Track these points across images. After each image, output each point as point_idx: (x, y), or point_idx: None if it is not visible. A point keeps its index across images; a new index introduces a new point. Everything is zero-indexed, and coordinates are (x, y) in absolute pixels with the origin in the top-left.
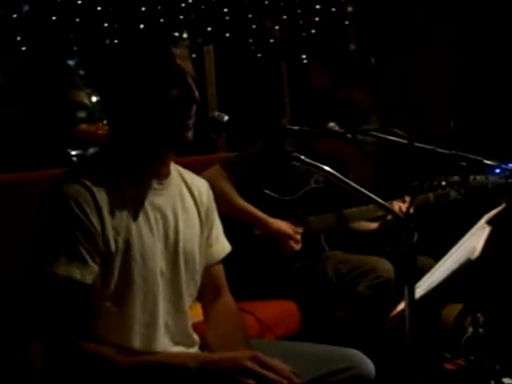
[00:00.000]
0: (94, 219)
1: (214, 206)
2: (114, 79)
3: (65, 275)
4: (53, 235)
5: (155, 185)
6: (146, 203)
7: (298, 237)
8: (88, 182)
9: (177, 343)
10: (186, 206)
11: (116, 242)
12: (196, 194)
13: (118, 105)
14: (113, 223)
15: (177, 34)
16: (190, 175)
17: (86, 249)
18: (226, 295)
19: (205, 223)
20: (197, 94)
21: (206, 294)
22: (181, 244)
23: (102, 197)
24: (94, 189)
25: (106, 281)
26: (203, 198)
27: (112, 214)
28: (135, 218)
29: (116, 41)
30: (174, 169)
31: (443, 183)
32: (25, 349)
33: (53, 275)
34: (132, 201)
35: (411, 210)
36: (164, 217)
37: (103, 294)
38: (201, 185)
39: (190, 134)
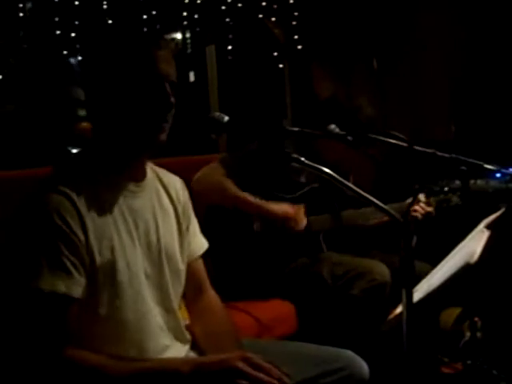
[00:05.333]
0: (78, 230)
1: (189, 203)
2: (98, 78)
3: (50, 290)
4: (36, 249)
5: (132, 187)
6: (124, 208)
7: (301, 215)
8: (69, 191)
9: (172, 341)
10: (164, 206)
11: (100, 251)
12: (172, 192)
13: (99, 104)
14: (95, 232)
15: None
16: (164, 173)
17: (70, 261)
18: (208, 290)
19: (182, 221)
20: (172, 99)
21: (189, 291)
22: (162, 244)
23: (83, 205)
24: (75, 197)
25: (95, 291)
26: (179, 195)
27: (94, 222)
28: (115, 224)
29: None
30: (150, 168)
31: (446, 189)
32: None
33: (38, 291)
34: (110, 206)
35: (432, 210)
36: (144, 220)
37: (94, 304)
38: (176, 182)
39: (163, 136)
